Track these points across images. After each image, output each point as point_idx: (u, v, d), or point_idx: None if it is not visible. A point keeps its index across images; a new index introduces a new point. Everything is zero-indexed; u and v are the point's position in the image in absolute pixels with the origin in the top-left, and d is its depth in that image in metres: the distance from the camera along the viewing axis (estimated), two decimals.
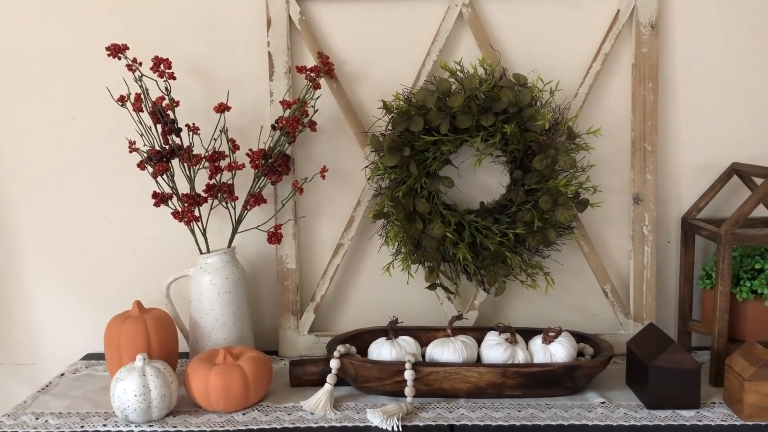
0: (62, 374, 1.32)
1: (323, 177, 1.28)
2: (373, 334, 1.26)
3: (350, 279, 1.41)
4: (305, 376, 1.22)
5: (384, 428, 1.06)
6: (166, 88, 1.22)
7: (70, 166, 1.40)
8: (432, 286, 1.33)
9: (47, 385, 1.26)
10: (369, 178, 1.33)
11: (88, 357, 1.41)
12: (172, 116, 1.23)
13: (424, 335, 1.27)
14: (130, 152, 1.24)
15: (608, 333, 1.36)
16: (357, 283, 1.41)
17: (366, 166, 1.33)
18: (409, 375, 1.12)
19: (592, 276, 1.37)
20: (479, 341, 1.22)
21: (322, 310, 1.40)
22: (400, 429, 1.06)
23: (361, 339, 1.26)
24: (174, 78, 1.22)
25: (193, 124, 1.25)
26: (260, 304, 1.42)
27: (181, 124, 1.25)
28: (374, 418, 1.07)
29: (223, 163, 1.26)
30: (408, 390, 1.12)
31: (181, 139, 1.24)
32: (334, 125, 1.36)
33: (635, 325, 1.35)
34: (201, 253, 1.29)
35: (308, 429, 1.07)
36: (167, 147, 1.22)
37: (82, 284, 1.43)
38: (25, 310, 1.45)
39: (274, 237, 1.28)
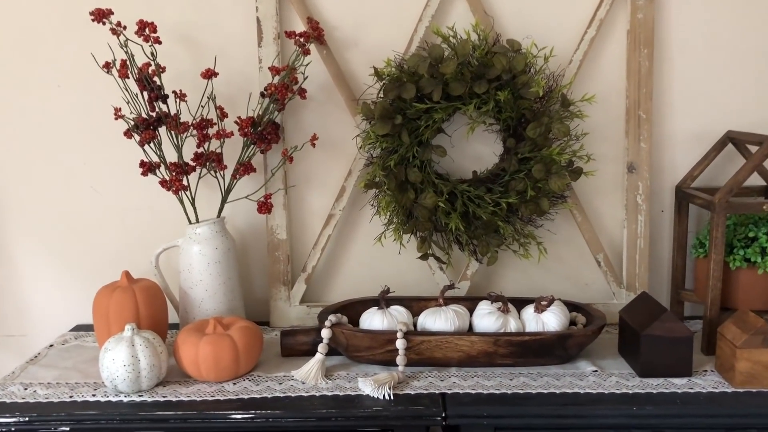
0: (51, 345, 1.31)
1: (313, 145, 1.26)
2: (365, 304, 1.26)
3: (342, 249, 1.40)
4: (296, 345, 1.21)
5: (375, 397, 1.05)
6: (152, 53, 1.19)
7: (56, 135, 1.37)
8: (424, 256, 1.32)
9: (36, 356, 1.25)
10: (360, 147, 1.31)
11: (77, 328, 1.40)
12: (158, 82, 1.20)
13: (415, 305, 1.26)
14: (116, 119, 1.21)
15: (601, 302, 1.35)
16: (348, 254, 1.40)
17: (357, 135, 1.31)
18: (400, 344, 1.11)
19: (585, 245, 1.36)
20: (471, 311, 1.21)
21: (314, 280, 1.39)
22: (392, 397, 1.05)
23: (353, 309, 1.25)
24: (159, 42, 1.19)
25: (180, 90, 1.22)
26: (251, 274, 1.40)
27: (168, 92, 1.22)
28: (366, 387, 1.07)
29: (211, 131, 1.23)
30: (400, 359, 1.11)
31: (168, 107, 1.22)
32: (325, 93, 1.34)
33: (628, 295, 1.35)
34: (190, 223, 1.27)
35: (299, 398, 1.07)
36: (154, 114, 1.20)
37: (71, 255, 1.41)
38: (13, 282, 1.43)
39: (264, 207, 1.26)
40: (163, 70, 1.20)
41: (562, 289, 1.37)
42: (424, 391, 1.07)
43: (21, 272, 1.42)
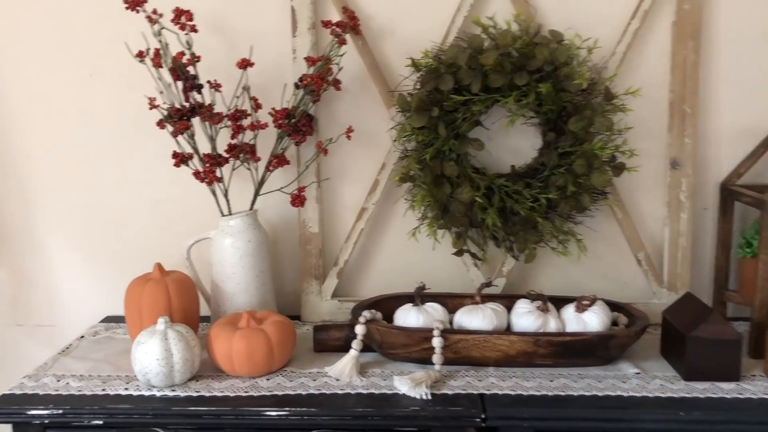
0: (82, 336, 1.30)
1: (349, 138, 1.23)
2: (399, 300, 1.23)
3: (374, 244, 1.37)
4: (329, 341, 1.19)
5: (412, 396, 1.03)
6: (188, 42, 1.17)
7: (88, 125, 1.36)
8: (459, 252, 1.29)
9: (67, 347, 1.24)
10: (395, 140, 1.28)
11: (108, 319, 1.39)
12: (193, 72, 1.18)
13: (450, 302, 1.23)
14: (150, 109, 1.19)
15: (640, 302, 1.31)
16: (381, 248, 1.37)
17: (392, 128, 1.28)
18: (437, 342, 1.09)
19: (624, 243, 1.32)
20: (508, 309, 1.18)
21: (345, 274, 1.37)
22: (429, 397, 1.03)
23: (386, 305, 1.22)
24: (195, 30, 1.17)
25: (215, 81, 1.20)
26: (282, 268, 1.38)
27: (201, 82, 1.20)
28: (402, 386, 1.04)
29: (245, 123, 1.21)
30: (436, 357, 1.09)
31: (203, 97, 1.20)
32: (359, 84, 1.31)
33: (669, 294, 1.31)
34: (222, 215, 1.25)
35: (334, 396, 1.04)
36: (188, 105, 1.18)
37: (101, 246, 1.40)
38: (44, 272, 1.42)
39: (298, 199, 1.24)
40: (198, 59, 1.18)
41: (599, 288, 1.33)
42: (462, 392, 1.05)
43: (51, 262, 1.42)
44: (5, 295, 1.43)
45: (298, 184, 1.29)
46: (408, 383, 1.04)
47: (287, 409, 1.01)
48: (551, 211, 1.25)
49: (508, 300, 1.22)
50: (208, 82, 1.19)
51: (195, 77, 1.17)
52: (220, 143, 1.22)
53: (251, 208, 1.26)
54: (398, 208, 1.34)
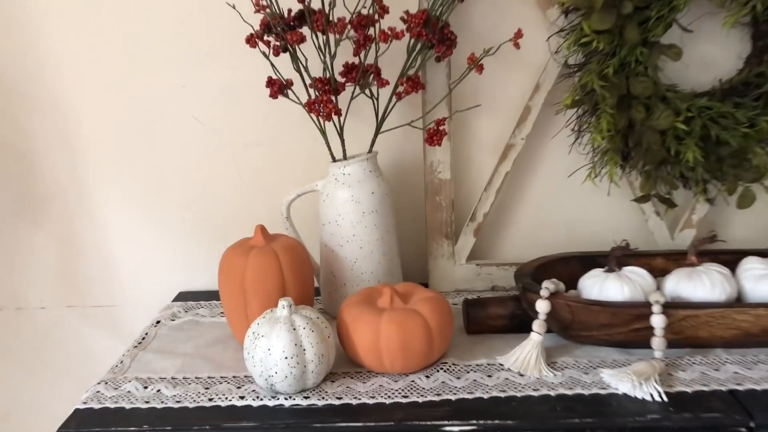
0: (158, 322, 1.02)
1: (517, 46, 0.91)
2: (567, 262, 0.95)
3: (520, 191, 1.08)
4: (488, 320, 0.91)
5: (638, 397, 0.75)
6: None
7: (145, 49, 1.05)
8: (645, 198, 0.99)
9: (144, 338, 0.96)
10: (556, 52, 0.97)
11: (181, 297, 1.11)
12: None
13: (634, 263, 0.94)
14: (257, 11, 0.87)
15: None
16: (529, 197, 1.08)
17: (554, 34, 0.97)
18: (658, 321, 0.80)
19: None
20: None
21: (483, 232, 1.08)
22: (665, 398, 0.75)
23: (552, 270, 0.94)
24: None
25: None
26: (403, 225, 1.09)
27: None
28: (621, 383, 0.76)
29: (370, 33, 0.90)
30: (657, 342, 0.80)
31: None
32: None
33: None
34: (334, 160, 0.96)
35: (528, 400, 0.76)
36: (302, 6, 0.86)
37: (167, 206, 1.11)
38: (97, 242, 1.14)
39: (437, 136, 0.93)
40: None
41: None
42: (704, 388, 0.77)
43: (104, 229, 1.13)
44: (52, 270, 1.15)
45: (426, 116, 0.98)
46: (630, 379, 0.76)
47: (473, 422, 0.73)
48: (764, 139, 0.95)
49: (709, 257, 0.93)
50: None
51: None
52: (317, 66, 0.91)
53: (370, 151, 0.96)
54: (555, 144, 1.04)
